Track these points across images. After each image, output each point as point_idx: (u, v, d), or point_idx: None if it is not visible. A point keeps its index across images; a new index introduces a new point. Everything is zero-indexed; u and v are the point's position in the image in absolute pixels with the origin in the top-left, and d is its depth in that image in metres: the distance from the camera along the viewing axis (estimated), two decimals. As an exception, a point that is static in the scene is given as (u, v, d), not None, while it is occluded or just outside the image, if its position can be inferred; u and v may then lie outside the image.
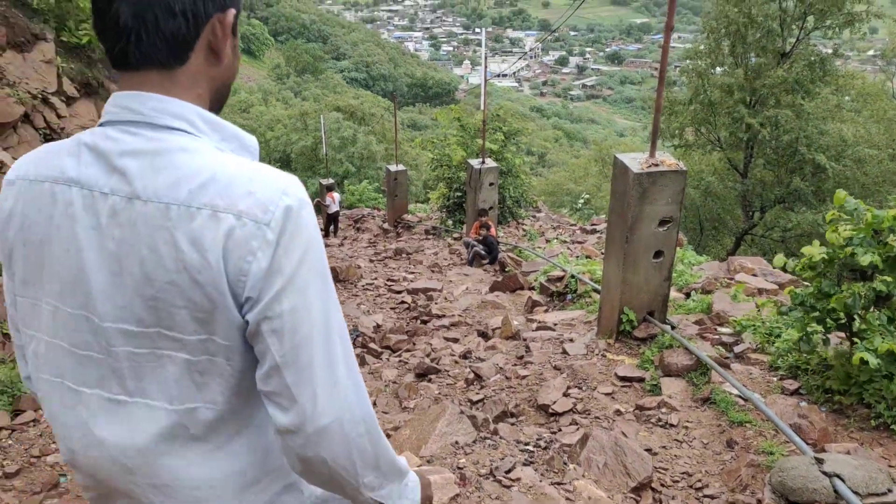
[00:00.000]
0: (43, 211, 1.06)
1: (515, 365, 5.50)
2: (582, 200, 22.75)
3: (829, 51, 16.56)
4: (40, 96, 6.47)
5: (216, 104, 1.14)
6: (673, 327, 5.44)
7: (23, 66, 6.34)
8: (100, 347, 1.05)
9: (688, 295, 6.59)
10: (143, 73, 1.03)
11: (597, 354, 5.40)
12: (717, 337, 5.10)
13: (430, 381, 5.50)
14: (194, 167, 1.00)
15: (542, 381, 5.06)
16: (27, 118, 6.34)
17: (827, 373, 4.09)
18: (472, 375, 5.36)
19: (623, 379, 4.86)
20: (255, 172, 1.02)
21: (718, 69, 17.94)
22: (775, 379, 4.40)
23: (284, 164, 38.67)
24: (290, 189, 1.02)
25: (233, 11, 1.07)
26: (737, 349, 4.86)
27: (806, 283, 4.46)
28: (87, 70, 7.12)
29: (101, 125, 1.06)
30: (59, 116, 6.71)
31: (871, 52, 22.83)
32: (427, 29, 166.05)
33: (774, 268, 6.40)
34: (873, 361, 3.63)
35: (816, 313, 4.01)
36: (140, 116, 1.02)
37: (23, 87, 6.26)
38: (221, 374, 1.05)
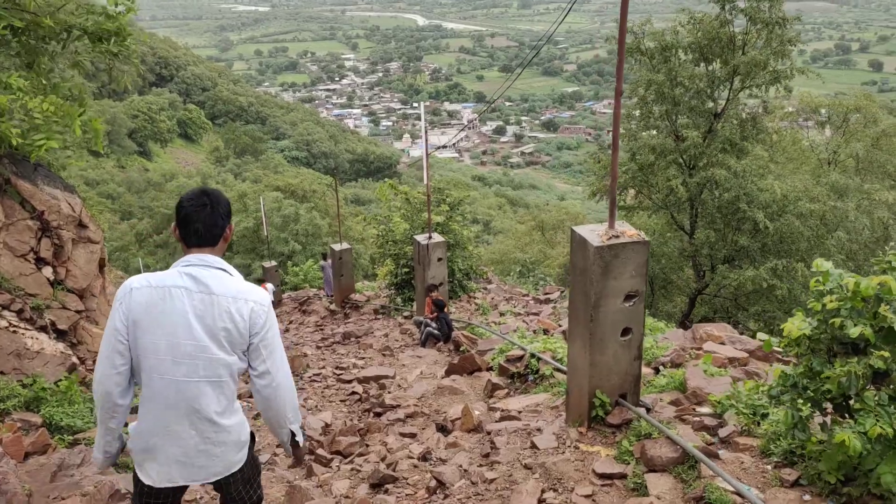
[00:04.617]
0: (163, 298, 2.60)
1: (481, 466, 4.95)
2: (516, 271, 22.82)
3: (760, 109, 17.05)
4: (-65, 197, 5.82)
5: (223, 254, 2.80)
6: (648, 410, 5.01)
7: (-86, 165, 5.71)
8: (190, 357, 2.60)
9: (657, 370, 6.20)
10: (203, 248, 2.72)
11: (569, 446, 4.90)
12: (698, 419, 4.68)
13: (386, 492, 4.89)
14: (235, 283, 2.70)
15: (512, 485, 4.52)
16: (-81, 222, 5.67)
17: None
18: (433, 483, 4.78)
19: (602, 476, 4.36)
20: (255, 287, 2.78)
21: (653, 132, 18.25)
22: (770, 467, 3.97)
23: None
24: (266, 293, 2.99)
25: (231, 225, 2.78)
26: (722, 433, 4.45)
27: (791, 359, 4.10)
28: (-8, 166, 6.51)
29: (187, 265, 2.67)
30: (-42, 218, 6.05)
31: (788, 109, 23.81)
32: (366, 105, 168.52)
33: (762, 344, 6.09)
34: (856, 445, 3.25)
35: (810, 394, 3.63)
36: (207, 263, 2.69)
37: (-87, 188, 5.61)
38: (239, 361, 2.70)
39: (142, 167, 78.09)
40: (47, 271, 7.04)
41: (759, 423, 4.44)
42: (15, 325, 6.37)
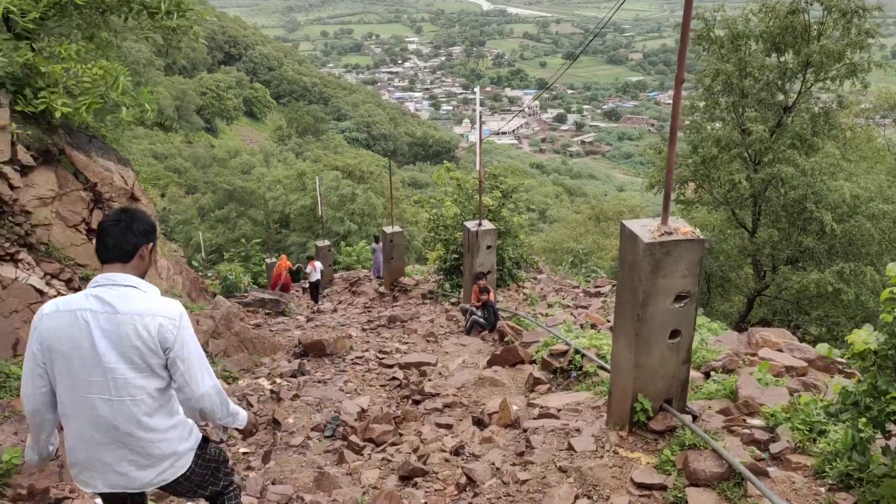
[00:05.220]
0: (70, 323, 2.63)
1: (514, 465, 4.78)
2: (568, 261, 22.40)
3: (834, 104, 16.18)
4: (-10, 166, 5.92)
5: (143, 274, 2.81)
6: (695, 418, 4.74)
7: (-29, 133, 5.82)
8: (102, 377, 2.64)
9: (707, 375, 5.88)
10: (114, 265, 2.73)
11: (608, 451, 4.67)
12: (748, 432, 4.39)
13: (415, 485, 4.76)
14: (142, 300, 2.69)
15: (545, 488, 4.34)
16: (-27, 190, 5.78)
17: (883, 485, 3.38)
18: (463, 479, 4.63)
19: (640, 486, 4.13)
20: (164, 300, 2.75)
21: (717, 124, 17.57)
22: (823, 490, 3.68)
23: (283, 224, 38.20)
24: (178, 306, 2.77)
25: (151, 245, 2.83)
26: (773, 448, 4.15)
27: (854, 371, 3.79)
28: (46, 137, 6.59)
29: (94, 286, 2.70)
30: (11, 187, 6.16)
31: (864, 105, 22.52)
32: (427, 89, 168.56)
33: (819, 354, 5.73)
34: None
35: (873, 414, 3.33)
36: (114, 282, 2.69)
37: (-31, 156, 5.72)
38: (157, 378, 2.73)
39: (208, 143, 79.85)
40: (97, 242, 7.13)
41: (815, 441, 4.13)
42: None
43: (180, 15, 7.86)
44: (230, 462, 3.31)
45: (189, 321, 2.78)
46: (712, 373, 5.82)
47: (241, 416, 3.10)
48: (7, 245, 6.07)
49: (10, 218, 6.18)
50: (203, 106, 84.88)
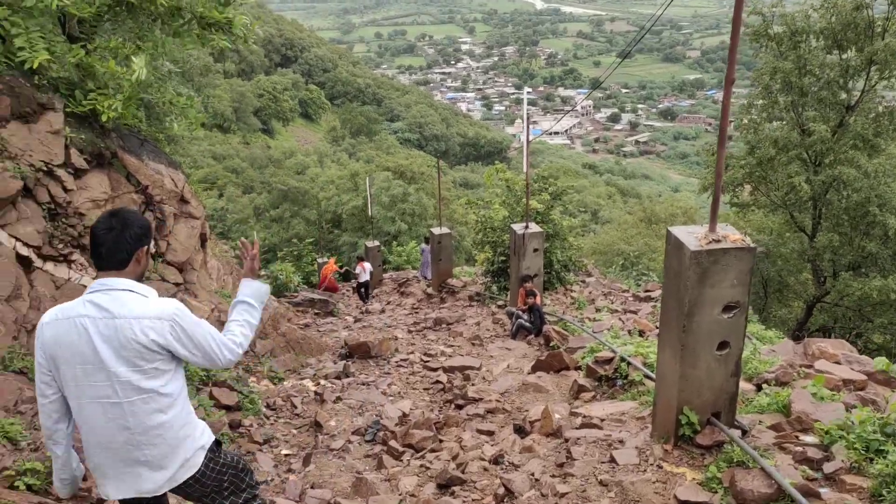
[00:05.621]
0: (69, 330, 2.65)
1: (554, 476, 4.66)
2: (618, 264, 21.97)
3: (899, 103, 15.47)
4: (45, 169, 6.09)
5: (140, 277, 2.83)
6: (744, 433, 4.55)
7: (27, 137, 5.99)
8: (107, 381, 2.65)
9: (759, 387, 5.65)
10: (108, 271, 2.74)
11: (651, 465, 4.53)
12: (800, 450, 4.18)
13: (453, 494, 4.69)
14: (139, 304, 2.68)
15: (584, 502, 4.22)
16: (29, 192, 5.95)
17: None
18: (501, 490, 4.54)
19: (684, 504, 3.98)
20: (160, 301, 2.73)
21: (775, 123, 17.00)
22: (881, 515, 3.47)
23: (336, 224, 38.61)
24: (173, 305, 2.74)
25: (146, 247, 2.82)
26: (827, 468, 3.94)
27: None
28: (99, 140, 6.74)
29: (91, 292, 2.71)
30: (65, 190, 6.32)
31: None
32: (479, 89, 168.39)
33: (876, 368, 5.45)
34: None
35: (935, 437, 3.12)
36: (109, 287, 2.69)
37: (25, 159, 5.89)
38: (162, 376, 2.73)
39: (264, 144, 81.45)
40: (148, 244, 7.26)
41: (872, 461, 3.91)
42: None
43: (229, 29, 7.88)
44: (256, 476, 3.24)
45: (189, 314, 2.77)
46: (764, 385, 5.60)
47: (264, 293, 3.07)
48: (61, 246, 6.24)
49: (63, 220, 6.34)
50: (260, 108, 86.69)
